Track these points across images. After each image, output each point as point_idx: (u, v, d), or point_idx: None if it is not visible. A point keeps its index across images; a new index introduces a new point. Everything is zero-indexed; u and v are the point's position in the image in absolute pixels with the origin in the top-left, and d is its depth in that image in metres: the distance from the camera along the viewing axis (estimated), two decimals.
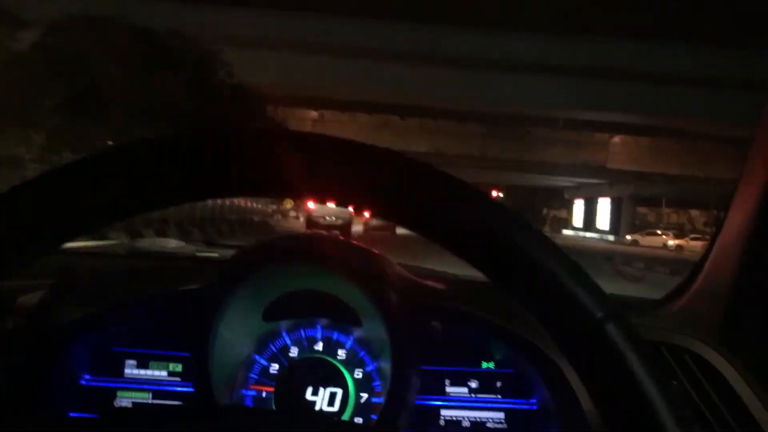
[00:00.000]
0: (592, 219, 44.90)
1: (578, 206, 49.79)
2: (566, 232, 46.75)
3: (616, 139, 36.92)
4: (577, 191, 48.02)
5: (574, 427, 0.84)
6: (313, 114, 36.24)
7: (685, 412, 0.30)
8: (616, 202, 40.35)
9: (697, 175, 33.23)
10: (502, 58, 27.90)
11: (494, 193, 35.03)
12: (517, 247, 0.38)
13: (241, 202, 23.35)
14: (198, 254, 1.53)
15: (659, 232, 35.01)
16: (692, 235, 31.31)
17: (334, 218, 18.52)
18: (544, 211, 60.91)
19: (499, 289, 0.39)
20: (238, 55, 17.37)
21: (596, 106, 30.21)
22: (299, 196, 0.40)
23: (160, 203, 0.39)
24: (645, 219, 42.11)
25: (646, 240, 34.02)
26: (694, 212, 42.15)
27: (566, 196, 52.19)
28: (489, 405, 0.95)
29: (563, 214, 59.67)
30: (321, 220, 18.84)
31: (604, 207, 42.99)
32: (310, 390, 0.90)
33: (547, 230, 43.58)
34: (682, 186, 35.58)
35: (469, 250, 0.39)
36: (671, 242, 31.77)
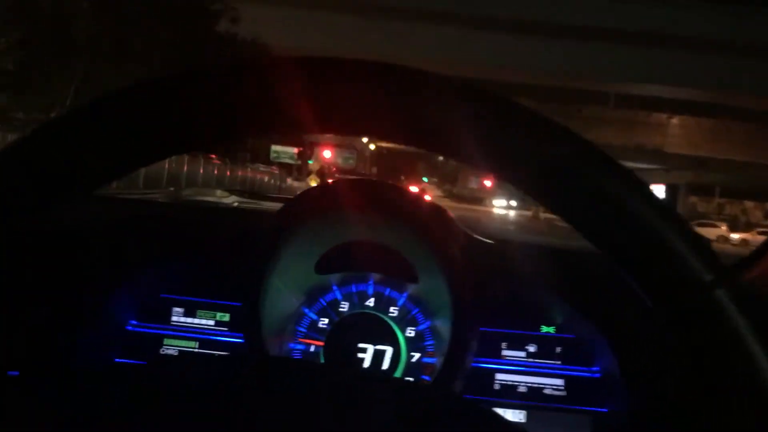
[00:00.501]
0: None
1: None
2: None
3: (675, 120, 34.15)
4: None
5: (640, 398, 0.81)
6: None
7: None
8: (671, 190, 37.57)
9: (762, 162, 30.40)
10: (549, 20, 25.44)
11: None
12: (617, 197, 0.34)
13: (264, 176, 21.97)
14: (242, 205, 1.53)
15: (717, 223, 32.27)
16: (759, 229, 28.34)
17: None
18: None
19: (594, 245, 0.36)
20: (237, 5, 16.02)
21: (654, 80, 27.51)
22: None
23: (172, 148, 0.38)
24: (694, 209, 39.25)
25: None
26: (749, 203, 39.17)
27: None
28: (547, 371, 0.91)
29: None
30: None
31: (657, 193, 40.11)
32: (360, 347, 0.88)
33: None
34: (740, 174, 32.80)
35: (563, 199, 0.36)
36: (734, 235, 28.77)
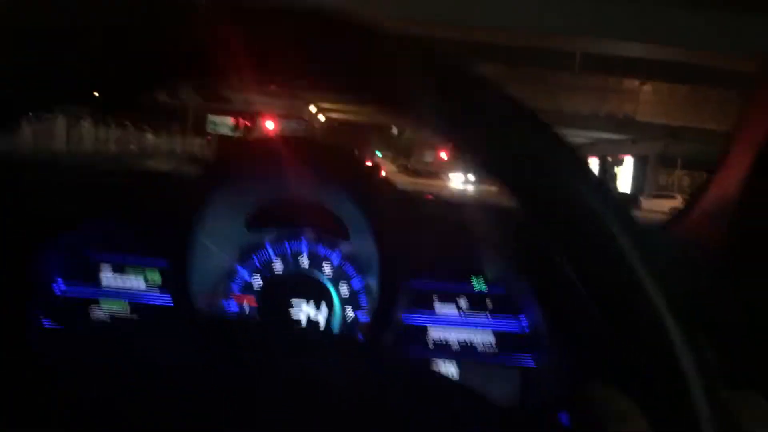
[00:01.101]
0: (608, 180, 39.96)
1: (592, 166, 44.65)
2: None
3: (648, 86, 31.70)
4: (591, 148, 43.00)
5: (567, 352, 0.83)
6: None
7: (709, 358, 0.29)
8: (641, 161, 35.38)
9: None
10: None
11: None
12: (533, 150, 0.35)
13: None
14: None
15: (674, 194, 30.43)
16: None
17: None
18: None
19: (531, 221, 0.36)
20: None
21: (623, 36, 24.71)
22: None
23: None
24: (655, 181, 37.28)
25: (651, 204, 29.17)
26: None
27: None
28: (478, 326, 0.92)
29: None
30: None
31: (626, 167, 38.02)
32: (294, 305, 0.88)
33: None
34: (712, 144, 30.80)
35: (495, 161, 0.36)
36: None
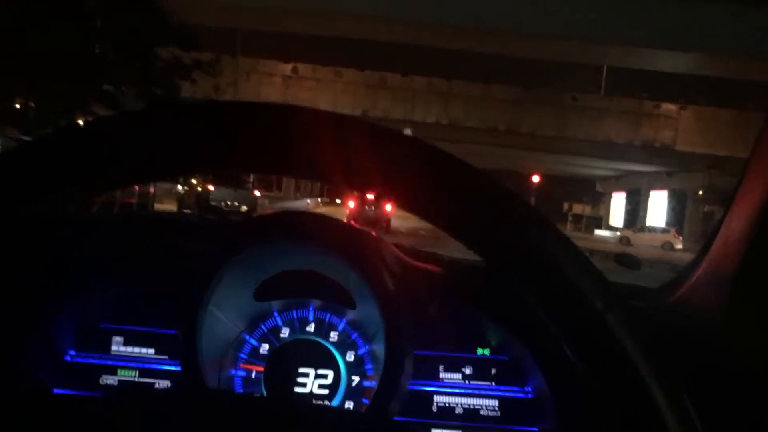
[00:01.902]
0: (637, 217, 35.75)
1: (618, 201, 40.61)
2: (601, 232, 37.50)
3: (688, 112, 27.70)
4: (616, 183, 38.95)
5: (570, 417, 0.85)
6: (285, 68, 26.94)
7: (684, 402, 0.36)
8: (677, 195, 31.23)
9: None
10: None
11: (535, 179, 26.13)
12: (519, 231, 0.38)
13: None
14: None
15: (668, 229, 28.41)
16: None
17: (236, 203, 15.56)
18: (565, 206, 52.10)
19: (498, 273, 0.39)
20: None
21: (656, 42, 20.49)
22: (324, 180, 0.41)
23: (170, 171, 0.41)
24: (695, 217, 33.21)
25: (644, 238, 27.09)
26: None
27: (599, 188, 43.10)
28: (483, 392, 0.94)
29: (587, 210, 50.74)
30: (222, 205, 15.65)
31: (658, 202, 33.81)
32: (300, 372, 0.90)
33: (569, 230, 34.55)
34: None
35: (469, 234, 0.39)
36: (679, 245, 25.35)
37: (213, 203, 15.08)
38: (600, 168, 34.76)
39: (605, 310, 0.36)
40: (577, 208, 50.90)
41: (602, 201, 45.69)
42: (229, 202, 15.21)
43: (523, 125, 26.87)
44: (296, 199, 30.82)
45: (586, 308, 0.36)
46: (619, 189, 39.37)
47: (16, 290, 0.85)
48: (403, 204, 0.40)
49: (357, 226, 0.95)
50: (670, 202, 32.42)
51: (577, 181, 44.98)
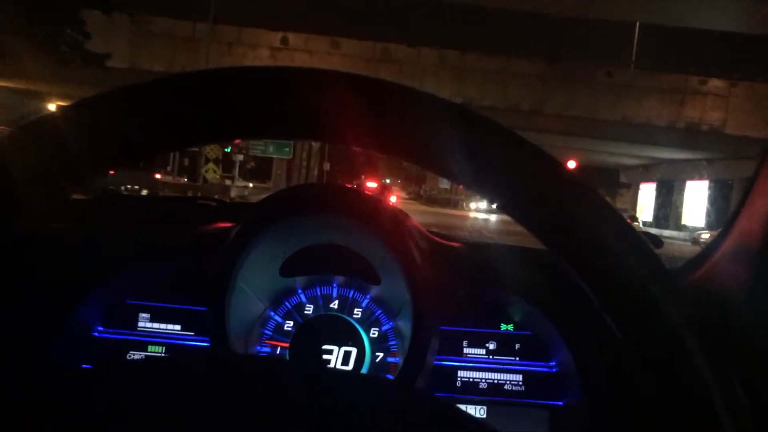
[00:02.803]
0: (670, 211, 32.05)
1: (646, 193, 36.84)
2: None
3: (740, 89, 23.96)
4: (645, 172, 35.25)
5: (595, 391, 0.85)
6: (273, 38, 23.30)
7: (731, 379, 0.35)
8: (718, 186, 27.52)
9: None
10: None
11: (571, 164, 22.53)
12: (561, 201, 0.38)
13: None
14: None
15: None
16: None
17: (136, 186, 14.12)
18: None
19: (543, 246, 0.39)
20: None
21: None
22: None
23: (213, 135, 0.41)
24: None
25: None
26: None
27: (624, 178, 39.38)
28: (507, 367, 0.95)
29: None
30: (122, 189, 13.26)
31: (696, 194, 30.09)
32: (325, 348, 0.91)
33: None
34: None
35: (514, 202, 0.39)
36: None
37: (111, 187, 12.52)
38: (627, 156, 31.10)
39: (651, 280, 0.36)
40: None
41: (620, 193, 42.17)
42: (129, 186, 13.76)
43: (549, 105, 23.21)
44: None
45: (632, 278, 0.36)
46: (648, 179, 35.64)
47: (44, 270, 0.87)
48: (442, 172, 0.40)
49: None
50: (711, 195, 28.70)
51: (594, 171, 41.31)
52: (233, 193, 19.47)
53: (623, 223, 0.37)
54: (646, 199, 36.74)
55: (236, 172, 25.44)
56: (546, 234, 0.38)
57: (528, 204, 0.38)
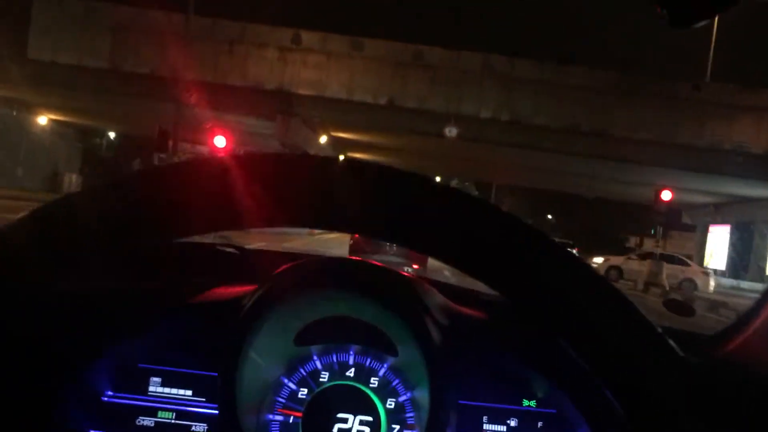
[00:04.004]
0: (751, 259, 27.14)
1: (717, 237, 31.90)
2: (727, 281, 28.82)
3: None
4: (715, 212, 30.45)
5: None
6: (282, 36, 19.61)
7: None
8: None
9: None
10: None
11: (667, 195, 18.07)
12: (559, 287, 0.39)
13: None
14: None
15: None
16: None
17: None
18: (632, 241, 43.49)
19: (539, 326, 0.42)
20: None
21: None
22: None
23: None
24: None
25: None
26: None
27: (688, 219, 34.52)
28: None
29: (662, 246, 42.00)
30: None
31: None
32: (339, 417, 0.90)
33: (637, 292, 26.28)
34: None
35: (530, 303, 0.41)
36: None
37: None
38: (696, 192, 26.49)
39: (654, 365, 0.36)
40: (649, 244, 42.37)
41: (671, 235, 37.31)
42: None
43: (616, 126, 18.93)
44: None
45: (633, 363, 0.36)
46: (719, 221, 30.78)
47: (53, 336, 0.85)
48: (410, 245, 0.43)
49: (359, 258, 0.94)
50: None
51: (635, 208, 36.79)
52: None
53: (623, 299, 0.38)
54: (717, 244, 31.81)
55: None
56: (540, 315, 0.40)
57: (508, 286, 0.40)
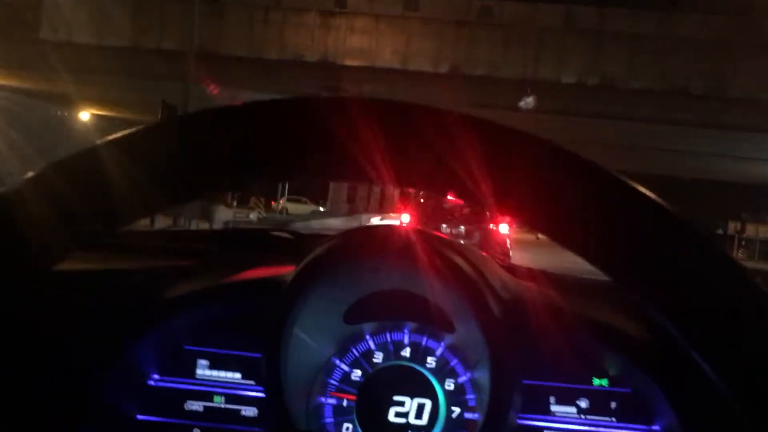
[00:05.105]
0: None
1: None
2: None
3: None
4: None
5: None
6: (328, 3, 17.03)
7: None
8: None
9: None
10: None
11: None
12: (645, 235, 0.35)
13: None
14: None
15: None
16: None
17: None
18: (731, 226, 38.84)
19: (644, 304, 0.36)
20: None
21: None
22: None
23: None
24: None
25: None
26: None
27: None
28: (602, 429, 0.88)
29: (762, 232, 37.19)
30: None
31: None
32: (395, 400, 0.87)
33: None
34: None
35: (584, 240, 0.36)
36: None
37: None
38: None
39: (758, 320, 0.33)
40: (750, 230, 37.63)
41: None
42: None
43: (737, 85, 15.34)
44: (348, 215, 21.15)
45: (750, 343, 0.33)
46: None
47: (99, 316, 0.86)
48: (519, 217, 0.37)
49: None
50: None
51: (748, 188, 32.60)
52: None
53: (743, 272, 0.34)
54: None
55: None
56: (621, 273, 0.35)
57: (600, 241, 0.35)
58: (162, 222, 12.77)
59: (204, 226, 12.45)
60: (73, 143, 26.06)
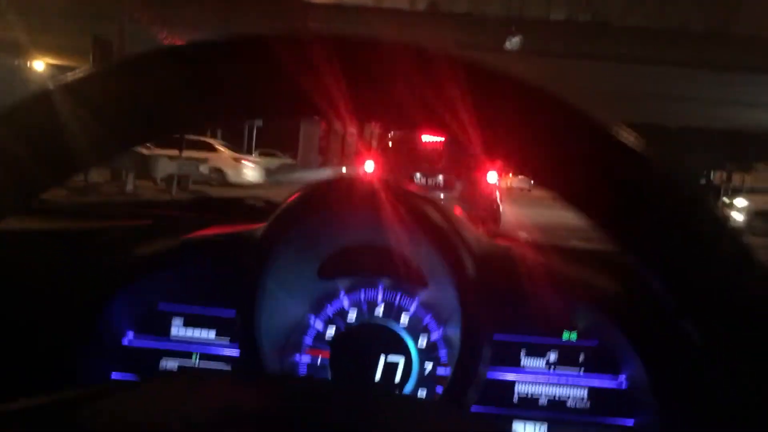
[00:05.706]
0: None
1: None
2: None
3: None
4: None
5: (672, 408, 0.79)
6: None
7: None
8: None
9: None
10: None
11: None
12: (635, 188, 0.34)
13: None
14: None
15: None
16: None
17: None
18: (717, 176, 38.04)
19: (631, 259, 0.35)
20: None
21: None
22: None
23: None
24: None
25: None
26: None
27: None
28: (570, 381, 0.89)
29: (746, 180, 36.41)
30: None
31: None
32: (369, 358, 0.88)
33: None
34: None
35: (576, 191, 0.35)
36: None
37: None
38: None
39: (746, 278, 0.32)
40: (737, 179, 36.90)
41: (756, 168, 32.28)
42: None
43: (741, 21, 14.11)
44: (317, 168, 19.88)
45: (723, 275, 0.32)
46: None
47: (73, 276, 0.85)
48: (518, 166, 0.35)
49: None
50: None
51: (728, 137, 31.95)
52: (249, 176, 15.50)
53: (716, 216, 0.33)
54: None
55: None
56: (615, 229, 0.34)
57: (593, 193, 0.34)
58: (99, 176, 11.79)
59: (147, 182, 11.20)
60: (27, 93, 24.31)
